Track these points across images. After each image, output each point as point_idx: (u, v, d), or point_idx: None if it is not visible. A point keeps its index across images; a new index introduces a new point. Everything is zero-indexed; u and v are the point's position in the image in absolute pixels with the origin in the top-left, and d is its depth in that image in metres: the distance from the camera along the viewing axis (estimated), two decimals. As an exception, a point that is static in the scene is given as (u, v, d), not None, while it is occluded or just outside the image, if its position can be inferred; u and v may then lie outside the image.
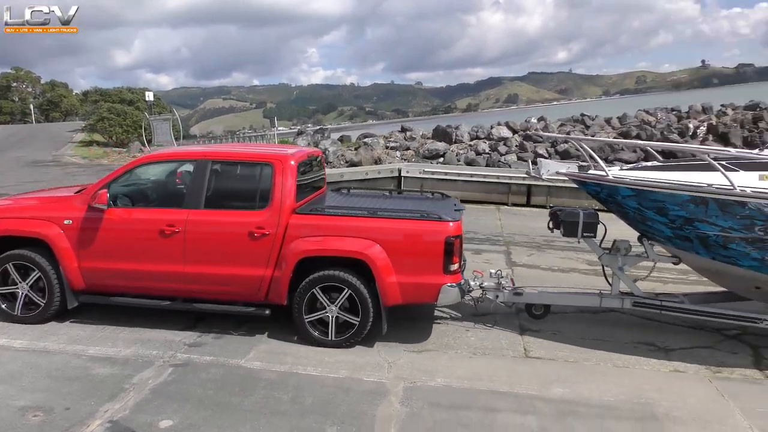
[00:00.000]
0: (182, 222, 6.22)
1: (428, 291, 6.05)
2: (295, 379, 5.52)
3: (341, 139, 26.32)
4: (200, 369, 5.67)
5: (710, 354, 6.41)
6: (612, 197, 6.44)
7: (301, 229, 6.12)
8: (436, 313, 7.35)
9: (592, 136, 23.44)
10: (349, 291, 6.05)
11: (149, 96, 38.34)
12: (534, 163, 7.22)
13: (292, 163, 6.38)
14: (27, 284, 6.55)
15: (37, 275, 6.48)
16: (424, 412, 5.02)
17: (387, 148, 23.27)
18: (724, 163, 5.97)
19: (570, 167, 7.00)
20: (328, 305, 6.13)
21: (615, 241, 6.81)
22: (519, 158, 21.31)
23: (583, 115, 27.58)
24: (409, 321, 6.91)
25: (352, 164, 20.52)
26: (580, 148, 7.35)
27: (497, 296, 6.84)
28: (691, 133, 22.92)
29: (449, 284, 6.02)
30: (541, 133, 22.16)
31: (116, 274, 6.41)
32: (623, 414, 5.12)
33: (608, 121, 26.40)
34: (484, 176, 16.13)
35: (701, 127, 23.34)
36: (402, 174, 15.88)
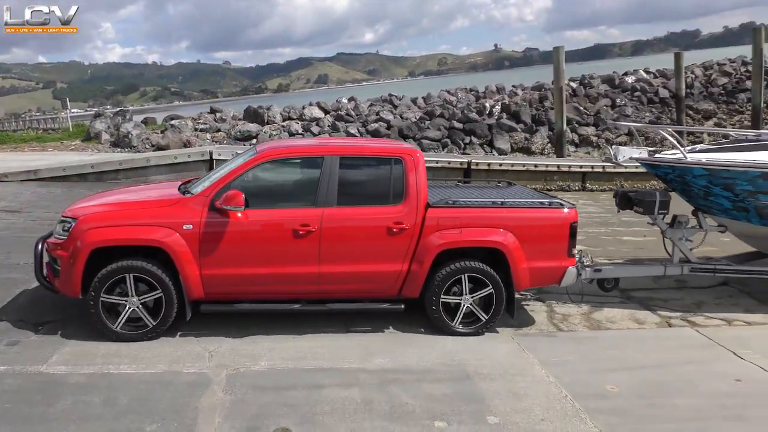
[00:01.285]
0: (317, 221, 5.97)
1: (555, 274, 6.44)
2: (107, 380, 5.14)
3: (145, 122, 24.75)
4: (-7, 381, 5.07)
5: (518, 315, 6.99)
6: (681, 177, 7.24)
7: (437, 222, 6.14)
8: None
9: (401, 115, 24.44)
10: (486, 280, 6.21)
11: None
12: (610, 148, 7.70)
13: (418, 155, 6.36)
14: (138, 299, 5.84)
15: (153, 289, 5.82)
16: (249, 397, 4.95)
17: (196, 130, 22.32)
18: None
19: (641, 152, 7.63)
20: (464, 295, 6.26)
21: (675, 216, 7.51)
22: (332, 138, 21.64)
23: (391, 95, 28.60)
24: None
25: (159, 148, 19.40)
26: (667, 135, 7.78)
27: (580, 274, 6.87)
28: (488, 112, 24.78)
29: (571, 266, 6.43)
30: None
31: (243, 279, 5.99)
32: (440, 376, 5.45)
33: (414, 101, 27.65)
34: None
35: (496, 106, 25.33)
36: (214, 157, 15.34)
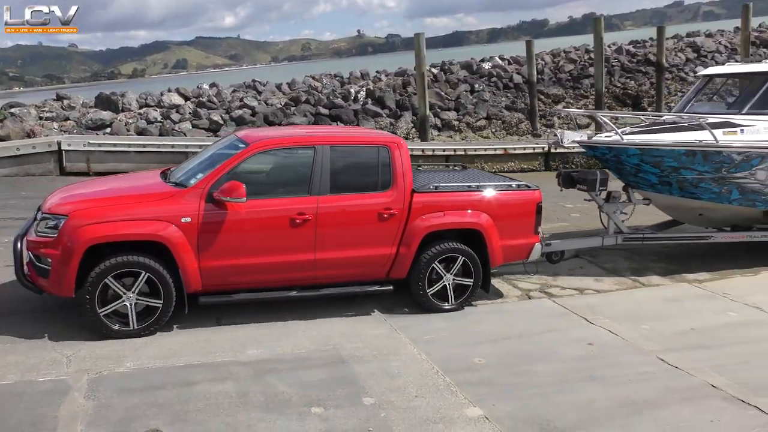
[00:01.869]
0: (312, 209, 6.15)
1: (523, 250, 7.05)
2: (-53, 396, 4.66)
3: (-20, 111, 22.41)
4: None
5: (386, 297, 7.14)
6: (617, 156, 8.00)
7: (423, 206, 6.53)
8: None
9: (265, 101, 23.98)
10: (464, 258, 6.67)
11: None
12: (554, 134, 8.25)
13: (402, 143, 6.78)
14: (134, 293, 5.74)
15: (150, 283, 5.74)
16: (114, 401, 4.69)
17: (41, 119, 20.57)
18: (705, 123, 7.79)
19: (582, 136, 8.36)
20: (445, 275, 6.69)
21: (610, 192, 8.35)
22: (194, 126, 20.81)
23: (254, 81, 27.94)
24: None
25: (-1, 139, 17.69)
26: (603, 121, 8.48)
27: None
28: (353, 98, 24.91)
29: (537, 243, 7.05)
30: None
31: (242, 270, 6.06)
32: (315, 362, 5.46)
33: (279, 86, 27.21)
34: (159, 146, 15.38)
35: (361, 92, 25.53)
36: (63, 148, 14.21)
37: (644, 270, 8.40)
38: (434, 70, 27.79)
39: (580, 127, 24.35)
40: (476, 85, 27.33)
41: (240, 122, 21.25)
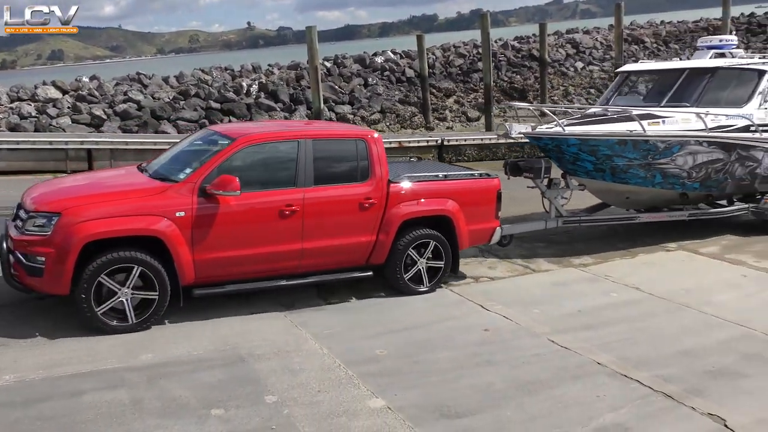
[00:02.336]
0: (299, 201, 6.36)
1: (486, 234, 7.62)
2: None
3: None
4: None
5: (284, 294, 7.06)
6: (558, 146, 8.58)
7: (399, 196, 6.89)
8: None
9: (152, 95, 22.98)
10: (435, 243, 7.10)
11: None
12: (504, 126, 8.71)
13: (377, 136, 7.04)
14: (129, 288, 5.78)
15: (144, 278, 5.78)
16: (-7, 418, 4.34)
17: None
18: (634, 115, 8.66)
19: (527, 128, 8.74)
20: (419, 259, 7.11)
21: (551, 179, 8.95)
22: (74, 121, 19.61)
23: (139, 73, 26.69)
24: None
25: None
26: (550, 114, 9.26)
27: None
28: (245, 91, 24.37)
29: (498, 227, 7.63)
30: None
31: (234, 261, 6.19)
32: (214, 363, 5.30)
33: (166, 80, 26.15)
34: (34, 142, 14.40)
35: (254, 86, 25.03)
36: None
37: (534, 256, 8.79)
38: (327, 64, 27.72)
39: (469, 120, 25.19)
40: (370, 79, 27.52)
41: (125, 117, 20.29)
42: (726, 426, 4.47)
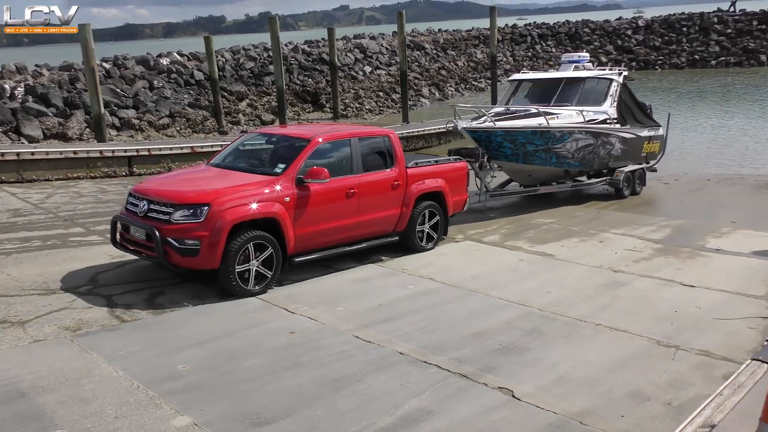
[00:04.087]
0: (357, 184, 8.28)
1: (461, 203, 9.89)
2: None
3: None
4: None
5: (67, 315, 6.45)
6: (488, 137, 11.12)
7: (413, 178, 8.98)
8: None
9: None
10: (435, 212, 9.30)
11: None
12: (452, 122, 11.06)
13: (396, 133, 9.17)
14: (258, 261, 7.24)
15: (268, 251, 7.30)
16: None
17: None
18: (538, 113, 11.71)
19: (469, 123, 11.31)
20: (425, 224, 9.21)
21: (482, 162, 11.57)
22: None
23: None
24: None
25: None
26: (485, 113, 11.87)
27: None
28: (8, 95, 21.74)
29: (467, 198, 10.02)
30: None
31: (318, 233, 7.91)
32: (-14, 403, 4.67)
33: None
34: None
35: (19, 88, 22.41)
36: None
37: (335, 256, 8.95)
38: (106, 65, 25.83)
39: (263, 123, 25.36)
40: (155, 82, 26.14)
41: None
42: (514, 396, 4.94)
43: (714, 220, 11.06)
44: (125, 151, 16.09)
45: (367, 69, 35.62)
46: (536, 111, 11.84)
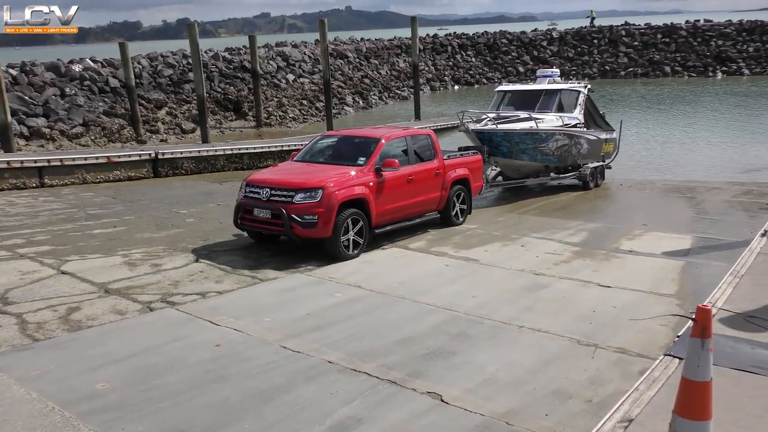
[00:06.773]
0: (413, 173, 10.49)
1: (479, 188, 12.37)
2: None
3: None
4: None
5: (-27, 334, 6.06)
6: (490, 137, 13.50)
7: (448, 167, 11.30)
8: None
9: None
10: (462, 193, 11.69)
11: None
12: (463, 124, 13.74)
13: (434, 132, 11.74)
14: (353, 232, 9.41)
15: (359, 225, 9.45)
16: None
17: None
18: (528, 117, 14.13)
19: (476, 125, 13.71)
20: (457, 204, 11.59)
21: (484, 158, 12.97)
22: None
23: None
24: None
25: None
26: (486, 116, 14.39)
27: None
28: None
29: (483, 184, 12.65)
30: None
31: (389, 211, 10.09)
32: None
33: None
34: None
35: None
36: None
37: (260, 266, 8.85)
38: (13, 71, 24.55)
39: (184, 132, 24.78)
40: (67, 89, 25.04)
41: None
42: (442, 400, 4.99)
43: (627, 223, 11.60)
44: (35, 161, 15.33)
45: (290, 77, 35.37)
46: (527, 116, 14.22)
